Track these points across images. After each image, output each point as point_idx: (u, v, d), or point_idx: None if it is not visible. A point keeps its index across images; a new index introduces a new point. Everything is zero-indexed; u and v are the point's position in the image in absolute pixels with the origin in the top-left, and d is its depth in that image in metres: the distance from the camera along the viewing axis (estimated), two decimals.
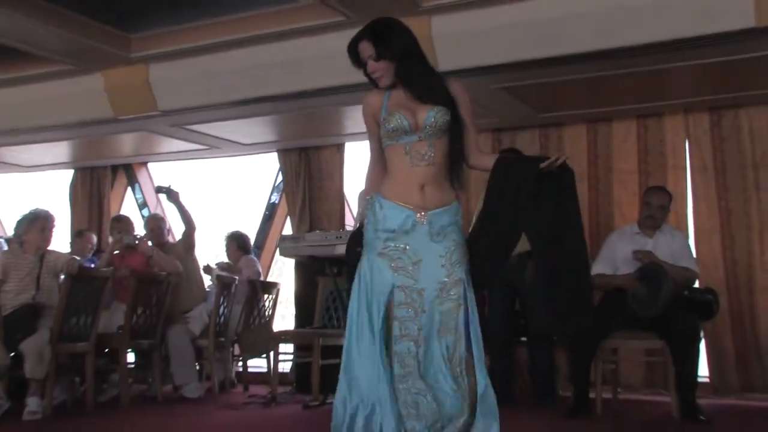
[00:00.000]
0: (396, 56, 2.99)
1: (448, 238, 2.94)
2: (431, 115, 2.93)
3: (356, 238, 3.18)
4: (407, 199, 2.96)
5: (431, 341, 2.90)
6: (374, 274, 2.95)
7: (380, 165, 3.14)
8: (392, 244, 2.95)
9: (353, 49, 3.06)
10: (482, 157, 3.13)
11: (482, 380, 2.88)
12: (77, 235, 7.36)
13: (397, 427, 2.81)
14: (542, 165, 2.89)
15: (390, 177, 3.04)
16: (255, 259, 7.38)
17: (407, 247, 2.94)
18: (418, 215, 2.94)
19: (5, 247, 5.90)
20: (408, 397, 2.87)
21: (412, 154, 2.95)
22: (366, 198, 3.13)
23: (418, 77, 3.01)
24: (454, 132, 2.99)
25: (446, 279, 2.92)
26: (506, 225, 3.00)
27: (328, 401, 5.27)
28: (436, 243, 2.93)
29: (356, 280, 2.98)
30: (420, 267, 2.92)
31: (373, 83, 3.11)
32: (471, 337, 2.90)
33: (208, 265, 6.72)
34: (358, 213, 3.50)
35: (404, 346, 2.90)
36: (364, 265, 2.99)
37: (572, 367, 5.18)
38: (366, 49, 3.02)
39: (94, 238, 7.31)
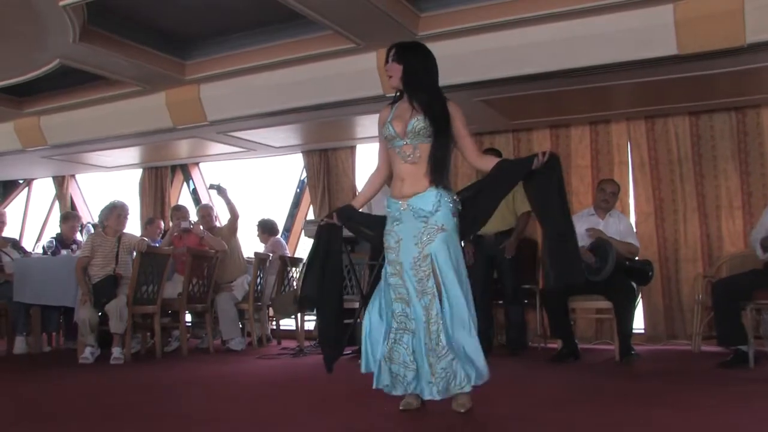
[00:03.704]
0: (407, 63, 3.00)
1: (424, 221, 2.96)
2: (412, 123, 2.97)
3: (343, 212, 3.26)
4: (396, 193, 3.05)
5: (413, 303, 2.93)
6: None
7: (383, 165, 3.19)
8: (388, 229, 3.05)
9: (387, 54, 3.07)
10: (484, 159, 3.12)
11: (454, 334, 2.87)
12: (148, 222, 7.37)
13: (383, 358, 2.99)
14: (534, 166, 2.94)
15: (393, 176, 3.12)
16: (281, 239, 7.39)
17: (394, 229, 3.02)
18: (402, 202, 3.01)
19: (92, 231, 6.01)
20: (393, 344, 2.97)
21: (401, 155, 3.01)
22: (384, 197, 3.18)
23: (422, 89, 3.01)
24: (440, 140, 2.98)
25: (418, 255, 2.94)
26: (492, 199, 3.07)
27: (344, 353, 5.46)
28: (414, 225, 2.97)
29: None
30: (400, 245, 2.99)
31: (399, 96, 3.12)
32: (442, 299, 2.90)
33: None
34: (357, 197, 3.52)
35: (398, 306, 2.98)
36: None
37: (553, 323, 5.22)
38: (392, 53, 3.05)
39: (162, 224, 7.29)
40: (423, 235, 2.96)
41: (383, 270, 3.09)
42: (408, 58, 3.02)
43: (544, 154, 2.95)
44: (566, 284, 3.42)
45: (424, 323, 2.90)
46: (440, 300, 2.90)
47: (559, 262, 3.04)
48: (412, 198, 2.99)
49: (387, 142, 3.07)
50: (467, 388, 2.88)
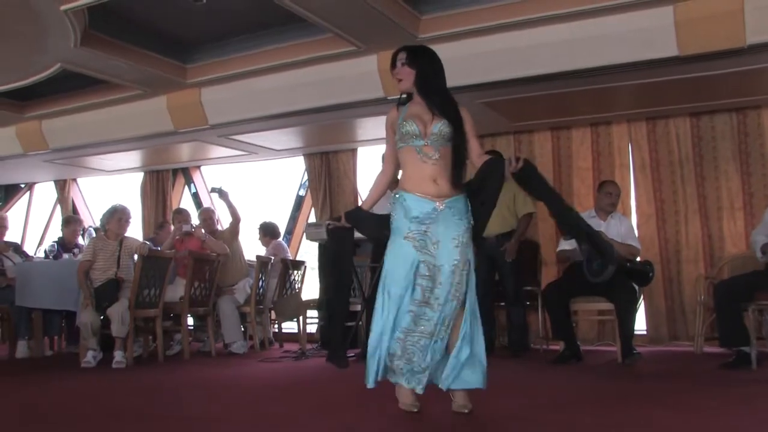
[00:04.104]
0: (420, 68, 3.05)
1: (461, 224, 2.97)
2: (439, 126, 2.98)
3: (351, 214, 3.25)
4: (426, 191, 2.99)
5: (444, 307, 2.91)
6: (398, 255, 2.97)
7: (389, 167, 3.19)
8: (416, 228, 2.96)
9: (394, 57, 3.11)
10: (483, 159, 3.13)
11: (467, 329, 2.96)
12: (159, 227, 7.36)
13: (386, 359, 2.96)
14: (509, 171, 2.97)
15: (406, 174, 3.06)
16: (282, 242, 7.38)
17: (428, 231, 2.95)
18: (438, 203, 2.97)
19: (94, 235, 6.03)
20: (409, 346, 2.90)
21: (422, 154, 2.99)
22: (392, 194, 3.11)
23: (434, 92, 3.05)
24: (457, 142, 3.03)
25: (458, 258, 2.93)
26: (484, 202, 3.09)
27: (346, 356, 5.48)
28: (452, 227, 2.95)
29: (384, 262, 3.04)
30: (438, 247, 2.93)
31: (405, 99, 3.15)
32: (466, 302, 2.98)
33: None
34: (366, 200, 3.47)
35: (422, 311, 2.92)
36: (389, 248, 3.02)
37: (555, 325, 5.18)
38: (401, 57, 3.08)
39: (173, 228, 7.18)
40: (462, 237, 2.97)
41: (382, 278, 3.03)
42: (420, 63, 3.07)
43: (518, 159, 2.97)
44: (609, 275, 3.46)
45: (445, 326, 2.93)
46: (464, 303, 2.96)
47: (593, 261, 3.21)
48: (452, 199, 3.00)
49: (404, 140, 3.04)
50: (472, 384, 2.95)
